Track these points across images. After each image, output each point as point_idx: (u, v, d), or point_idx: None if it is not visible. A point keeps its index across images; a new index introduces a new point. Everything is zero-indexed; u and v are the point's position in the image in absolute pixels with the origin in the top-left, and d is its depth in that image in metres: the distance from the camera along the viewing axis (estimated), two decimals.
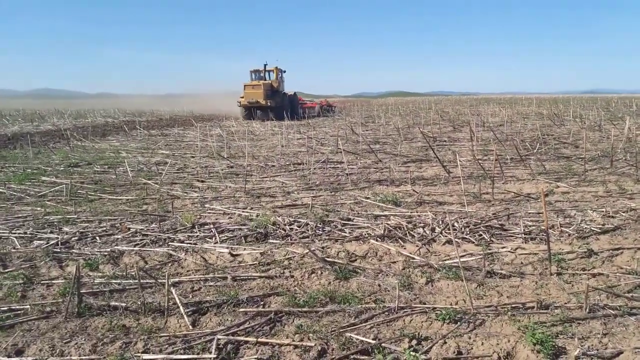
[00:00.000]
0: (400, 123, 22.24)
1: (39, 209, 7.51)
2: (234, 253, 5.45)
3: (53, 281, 4.71)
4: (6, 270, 5.00)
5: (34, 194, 8.54)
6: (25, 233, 6.22)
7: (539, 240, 5.66)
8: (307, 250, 5.25)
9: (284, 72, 31.75)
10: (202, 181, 9.76)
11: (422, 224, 6.25)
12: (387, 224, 6.25)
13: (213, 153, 13.88)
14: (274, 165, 11.72)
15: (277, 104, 28.85)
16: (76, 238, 6.00)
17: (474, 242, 5.61)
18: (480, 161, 10.95)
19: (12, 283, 4.64)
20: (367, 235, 5.88)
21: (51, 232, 6.24)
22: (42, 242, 5.87)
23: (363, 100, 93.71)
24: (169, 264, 5.18)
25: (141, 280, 4.40)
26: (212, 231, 6.21)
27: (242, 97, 29.24)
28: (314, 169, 10.64)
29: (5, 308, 4.14)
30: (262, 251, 5.46)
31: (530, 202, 7.46)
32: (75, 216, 6.98)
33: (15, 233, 6.22)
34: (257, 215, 6.94)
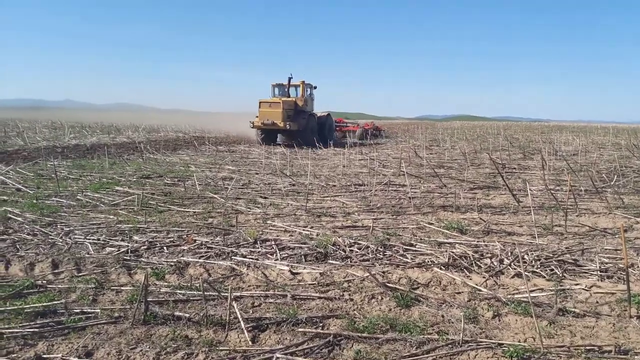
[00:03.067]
0: (466, 148, 21.74)
1: (112, 217, 7.91)
2: (294, 271, 5.47)
3: (122, 287, 4.92)
4: (80, 274, 5.28)
5: (108, 203, 9.01)
6: (99, 240, 6.55)
7: (617, 279, 5.29)
8: (368, 274, 5.18)
9: (314, 88, 26.46)
10: (265, 198, 9.94)
11: (489, 255, 6.02)
12: (452, 252, 6.07)
13: (276, 171, 14.13)
14: (335, 185, 11.75)
15: (300, 126, 23.49)
16: (145, 247, 6.26)
17: (544, 277, 5.33)
18: (552, 191, 10.46)
19: (85, 287, 4.89)
20: (430, 263, 5.73)
21: (122, 240, 6.54)
22: (113, 249, 6.17)
23: (427, 123, 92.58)
24: (232, 278, 5.28)
25: (205, 293, 4.51)
26: (273, 248, 6.28)
27: (257, 117, 24.01)
28: (376, 190, 10.56)
29: (78, 310, 4.36)
30: (321, 271, 5.45)
31: (606, 238, 7.01)
32: (145, 226, 7.29)
33: (89, 239, 6.57)
34: (318, 235, 6.96)
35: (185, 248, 6.25)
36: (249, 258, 5.90)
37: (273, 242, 6.52)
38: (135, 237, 6.67)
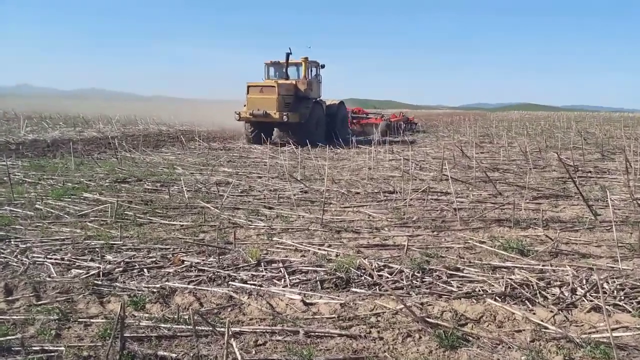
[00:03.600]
0: (528, 145, 21.58)
1: (78, 231, 8.01)
2: (307, 301, 5.49)
3: (92, 320, 4.97)
4: (40, 303, 5.35)
5: (74, 213, 9.12)
6: (63, 259, 6.64)
7: None
8: (402, 306, 5.17)
9: (321, 67, 25.75)
10: (271, 208, 9.99)
11: (558, 282, 5.97)
12: (510, 279, 6.04)
13: (284, 174, 14.17)
14: (358, 193, 11.77)
15: (301, 118, 22.58)
16: (120, 269, 6.32)
17: (630, 312, 5.27)
18: (639, 202, 10.33)
19: (46, 318, 4.95)
20: (482, 292, 5.70)
21: (92, 260, 6.61)
22: (81, 271, 6.24)
23: (477, 114, 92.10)
24: (229, 309, 5.31)
25: (196, 327, 4.53)
26: (281, 271, 6.31)
27: (245, 106, 23.12)
28: (411, 199, 10.54)
29: (38, 348, 4.42)
30: (342, 302, 5.46)
31: None
32: (121, 242, 7.36)
33: (51, 258, 6.66)
34: (337, 256, 6.98)
35: (171, 271, 6.30)
36: (251, 284, 5.93)
37: (281, 264, 6.55)
38: (109, 257, 6.73)
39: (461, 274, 6.27)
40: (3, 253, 6.84)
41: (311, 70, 25.05)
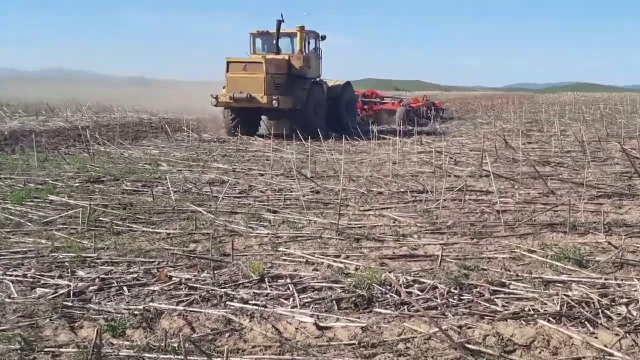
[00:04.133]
0: (585, 133, 21.47)
1: (44, 241, 8.04)
2: (321, 324, 5.47)
3: (61, 349, 4.97)
4: None
5: (37, 220, 9.17)
6: (25, 276, 6.64)
7: None
8: (436, 329, 5.15)
9: (322, 38, 24.97)
10: (275, 212, 9.99)
11: (624, 299, 5.94)
12: (566, 295, 5.99)
13: (291, 170, 14.17)
14: (381, 193, 11.75)
15: (296, 103, 21.80)
16: (95, 287, 6.33)
17: None
18: None
19: (5, 348, 4.97)
20: (532, 312, 5.67)
21: (60, 277, 6.61)
22: (47, 290, 6.24)
23: (522, 95, 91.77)
24: (227, 335, 5.29)
25: (187, 357, 4.52)
26: (289, 289, 6.31)
27: (225, 88, 22.24)
28: (445, 200, 10.50)
29: None
30: (364, 325, 5.44)
31: None
32: (95, 255, 7.38)
33: (11, 275, 6.68)
34: (357, 269, 6.96)
35: (157, 289, 6.30)
36: (253, 304, 5.92)
37: (289, 280, 6.55)
38: (80, 273, 6.75)
39: (507, 290, 6.24)
40: None
41: (308, 43, 24.18)
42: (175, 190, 11.27)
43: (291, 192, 11.71)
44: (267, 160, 16.09)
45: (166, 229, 8.83)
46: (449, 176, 13.21)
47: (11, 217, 9.30)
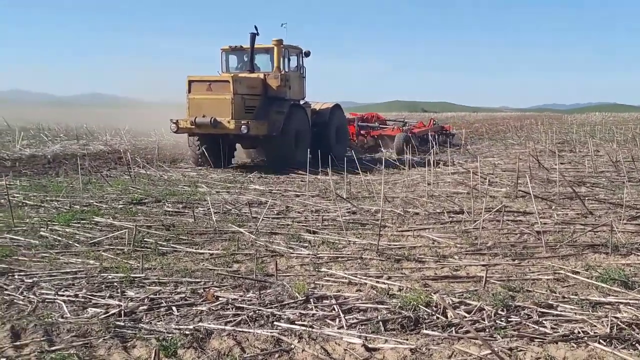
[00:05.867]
0: (619, 153, 21.18)
1: (92, 262, 8.10)
2: (369, 346, 5.41)
3: None
4: (54, 348, 5.37)
5: (85, 241, 9.24)
6: (76, 296, 6.70)
7: None
8: (487, 352, 5.05)
9: (305, 55, 21.59)
10: (314, 232, 9.96)
11: None
12: (615, 317, 5.87)
13: (326, 191, 14.16)
14: (417, 213, 11.68)
15: (271, 129, 18.70)
16: (145, 307, 6.34)
17: None
18: None
19: None
20: (582, 335, 5.55)
21: (111, 297, 6.66)
22: (99, 310, 6.28)
23: (550, 116, 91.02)
24: (276, 355, 5.26)
25: None
26: (334, 309, 6.26)
27: (187, 111, 19.06)
28: (483, 221, 10.38)
29: None
30: (413, 347, 5.36)
31: None
32: (143, 275, 7.42)
33: (62, 295, 6.72)
34: (400, 290, 6.91)
35: (204, 309, 6.30)
36: (300, 324, 5.88)
37: (334, 301, 6.51)
38: (130, 293, 6.78)
39: (555, 312, 6.13)
40: (7, 289, 6.91)
41: (288, 60, 20.86)
42: (215, 211, 11.29)
43: (328, 212, 11.67)
44: (301, 182, 16.07)
45: (209, 250, 8.84)
46: (484, 196, 13.07)
47: (59, 238, 9.38)
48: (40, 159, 21.51)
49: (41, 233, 9.64)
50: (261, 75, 19.96)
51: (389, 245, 9.16)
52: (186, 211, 11.79)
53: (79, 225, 10.33)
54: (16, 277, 7.39)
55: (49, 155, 22.65)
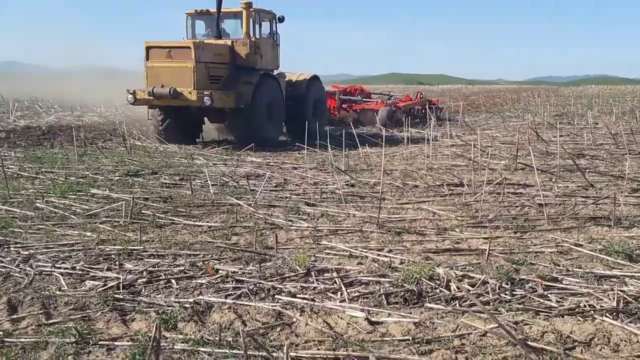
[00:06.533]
0: (617, 125, 21.08)
1: (89, 234, 8.01)
2: (373, 319, 5.34)
3: (115, 342, 4.88)
4: (51, 322, 5.28)
5: (81, 213, 9.14)
6: (74, 268, 6.62)
7: None
8: (492, 325, 4.97)
9: (279, 20, 19.95)
10: (313, 205, 9.87)
11: None
12: (622, 291, 5.80)
13: (324, 162, 14.06)
14: (416, 186, 11.61)
15: (238, 101, 17.23)
16: (144, 280, 6.27)
17: None
18: None
19: (60, 341, 4.87)
20: (588, 308, 5.48)
21: (109, 270, 6.59)
22: (97, 283, 6.20)
23: (547, 89, 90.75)
24: (278, 329, 5.18)
25: (247, 351, 4.38)
26: (336, 282, 6.20)
27: (147, 80, 17.41)
28: (484, 193, 10.28)
29: None
30: (416, 320, 5.28)
31: None
32: (141, 247, 7.33)
33: (60, 267, 6.65)
34: (402, 263, 6.84)
35: (204, 282, 6.23)
36: (301, 298, 5.82)
37: (335, 274, 6.44)
38: (128, 265, 6.71)
39: (560, 286, 6.07)
40: (3, 262, 6.82)
41: (260, 25, 19.11)
42: (213, 183, 11.18)
43: (326, 185, 11.59)
44: (299, 154, 15.96)
45: (207, 222, 8.76)
46: (484, 169, 12.97)
47: (55, 210, 9.27)
48: (34, 130, 21.32)
49: (37, 205, 9.53)
50: (228, 42, 18.45)
51: (389, 218, 9.07)
52: (183, 183, 11.71)
53: (75, 197, 10.22)
54: (12, 249, 7.31)
55: (43, 126, 22.48)
